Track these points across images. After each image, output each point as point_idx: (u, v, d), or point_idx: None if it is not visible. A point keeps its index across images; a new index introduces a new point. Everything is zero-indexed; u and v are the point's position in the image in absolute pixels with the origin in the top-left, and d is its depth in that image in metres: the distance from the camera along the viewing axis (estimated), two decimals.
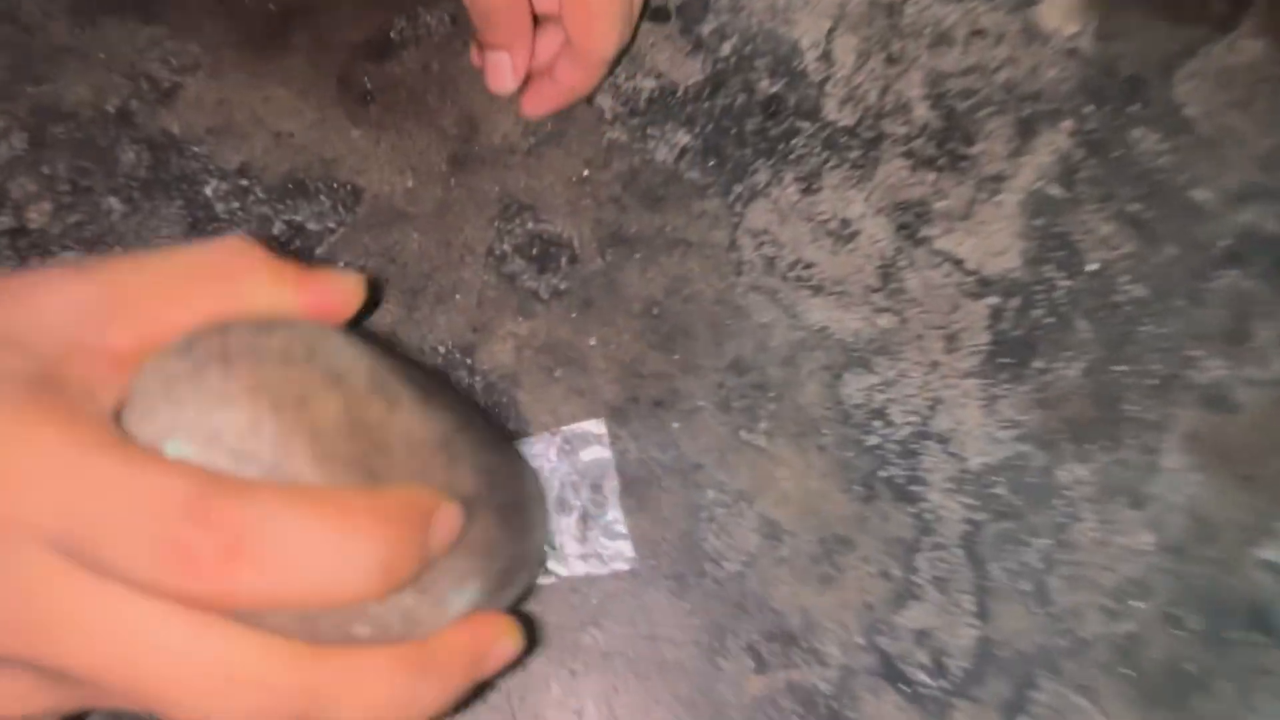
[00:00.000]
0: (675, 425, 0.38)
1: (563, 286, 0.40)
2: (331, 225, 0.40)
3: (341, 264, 0.40)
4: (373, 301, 0.39)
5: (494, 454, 0.30)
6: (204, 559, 0.22)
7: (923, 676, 0.37)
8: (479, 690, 0.31)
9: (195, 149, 0.41)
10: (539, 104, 0.40)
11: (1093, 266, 0.40)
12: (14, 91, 0.41)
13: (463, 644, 0.28)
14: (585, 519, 0.37)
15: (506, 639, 0.29)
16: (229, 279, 0.27)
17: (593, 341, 0.39)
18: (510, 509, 0.30)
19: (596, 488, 0.37)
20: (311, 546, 0.23)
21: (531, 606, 0.37)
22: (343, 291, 0.29)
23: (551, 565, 0.36)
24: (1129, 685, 0.37)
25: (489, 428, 0.31)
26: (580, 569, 0.37)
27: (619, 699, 0.36)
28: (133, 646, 0.23)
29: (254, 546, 0.23)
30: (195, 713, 0.24)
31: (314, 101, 0.41)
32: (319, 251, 0.40)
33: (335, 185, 0.41)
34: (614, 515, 0.37)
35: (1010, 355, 0.39)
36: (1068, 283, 0.40)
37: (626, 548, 0.37)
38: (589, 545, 0.37)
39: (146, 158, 0.41)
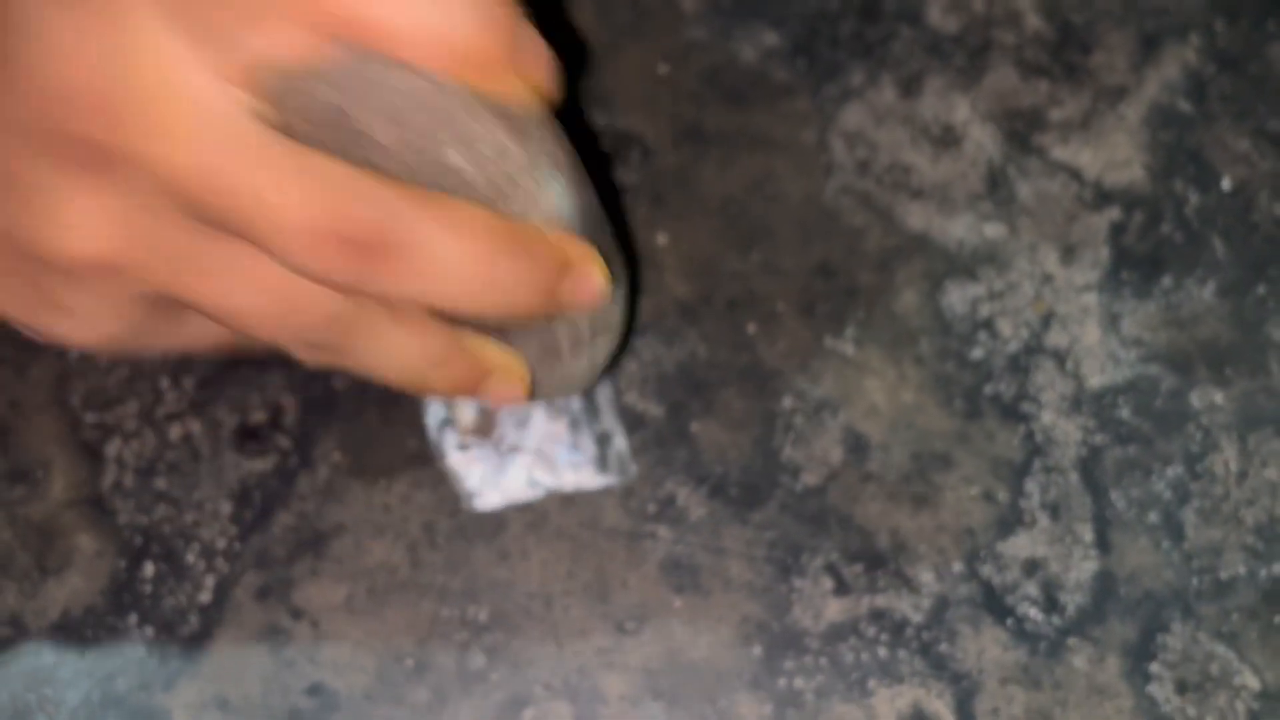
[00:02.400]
0: (751, 328, 0.39)
1: (633, 181, 0.41)
2: None
3: None
4: None
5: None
6: (358, 244, 0.25)
7: (1032, 611, 0.35)
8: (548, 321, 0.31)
9: None
10: None
11: (1227, 183, 0.40)
12: None
13: (555, 243, 0.28)
14: (576, 425, 0.37)
15: (597, 271, 0.29)
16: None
17: (663, 238, 0.40)
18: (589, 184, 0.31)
19: (589, 394, 0.37)
20: (461, 259, 0.25)
21: (580, 510, 0.36)
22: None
23: (538, 475, 0.36)
24: (1278, 634, 0.35)
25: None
26: (570, 479, 0.36)
27: (677, 615, 0.35)
28: (223, 137, 0.24)
29: (404, 251, 0.25)
30: (274, 211, 0.25)
31: None
32: None
33: None
34: (609, 424, 0.37)
35: (1134, 271, 0.39)
36: (1199, 199, 0.40)
37: (624, 457, 0.36)
38: (581, 454, 0.36)
39: None
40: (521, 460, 0.36)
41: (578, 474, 0.36)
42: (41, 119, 0.25)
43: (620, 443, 0.37)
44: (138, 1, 0.24)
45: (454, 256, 0.26)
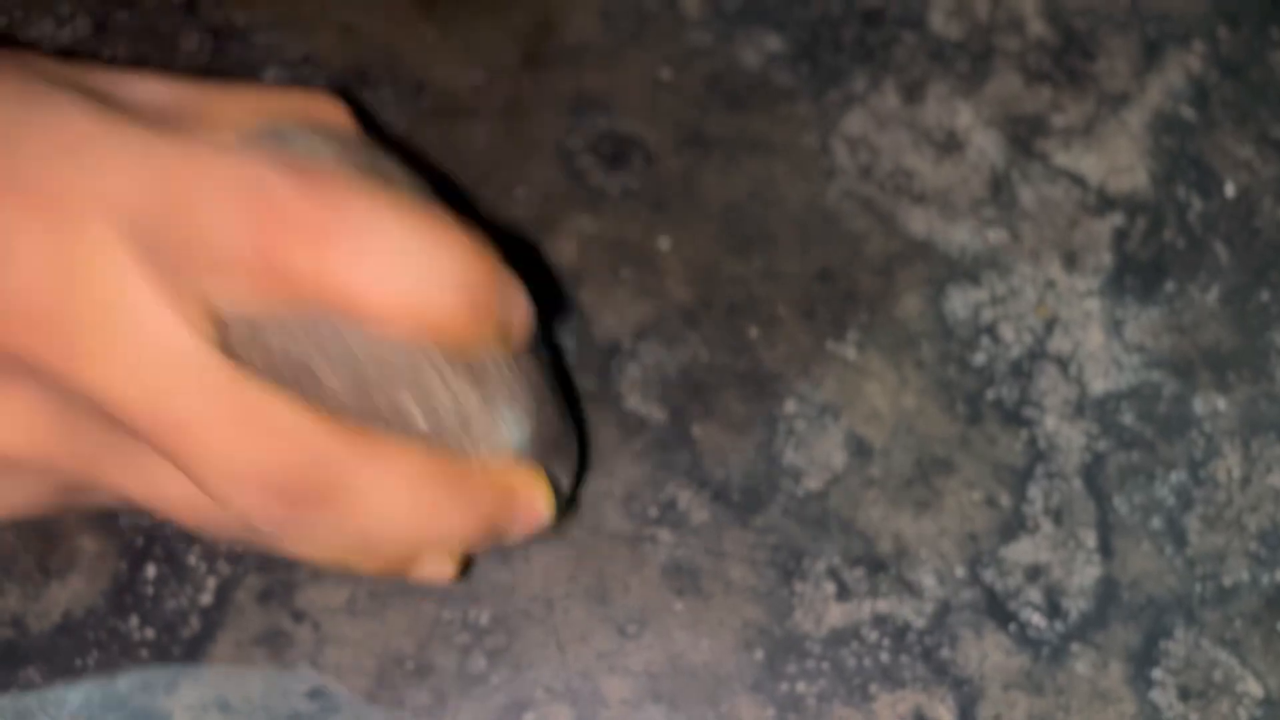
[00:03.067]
0: (752, 332, 0.39)
1: (634, 186, 0.41)
2: (394, 117, 0.42)
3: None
4: None
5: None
6: (300, 230, 0.23)
7: (1035, 616, 0.35)
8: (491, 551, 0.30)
9: (258, 38, 0.43)
10: None
11: (1230, 189, 0.40)
12: None
13: (500, 482, 0.28)
14: None
15: (541, 499, 0.29)
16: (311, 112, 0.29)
17: (664, 243, 0.40)
18: (556, 389, 0.31)
19: None
20: (406, 245, 0.24)
21: (581, 513, 0.36)
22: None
23: None
24: None
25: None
26: None
27: (678, 619, 0.35)
28: (170, 370, 0.23)
29: (349, 231, 0.24)
30: (210, 453, 0.24)
31: None
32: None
33: (399, 78, 0.43)
34: None
35: (1137, 277, 0.39)
36: (1202, 205, 0.40)
37: None
38: None
39: (208, 44, 0.43)
40: None
41: None
42: None
43: None
44: (99, 219, 0.23)
45: (388, 502, 0.26)
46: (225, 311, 0.25)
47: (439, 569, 0.30)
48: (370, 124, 0.42)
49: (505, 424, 0.28)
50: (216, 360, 0.24)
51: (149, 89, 0.28)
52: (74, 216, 0.23)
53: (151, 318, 0.24)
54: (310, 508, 0.25)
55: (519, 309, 0.27)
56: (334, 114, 0.30)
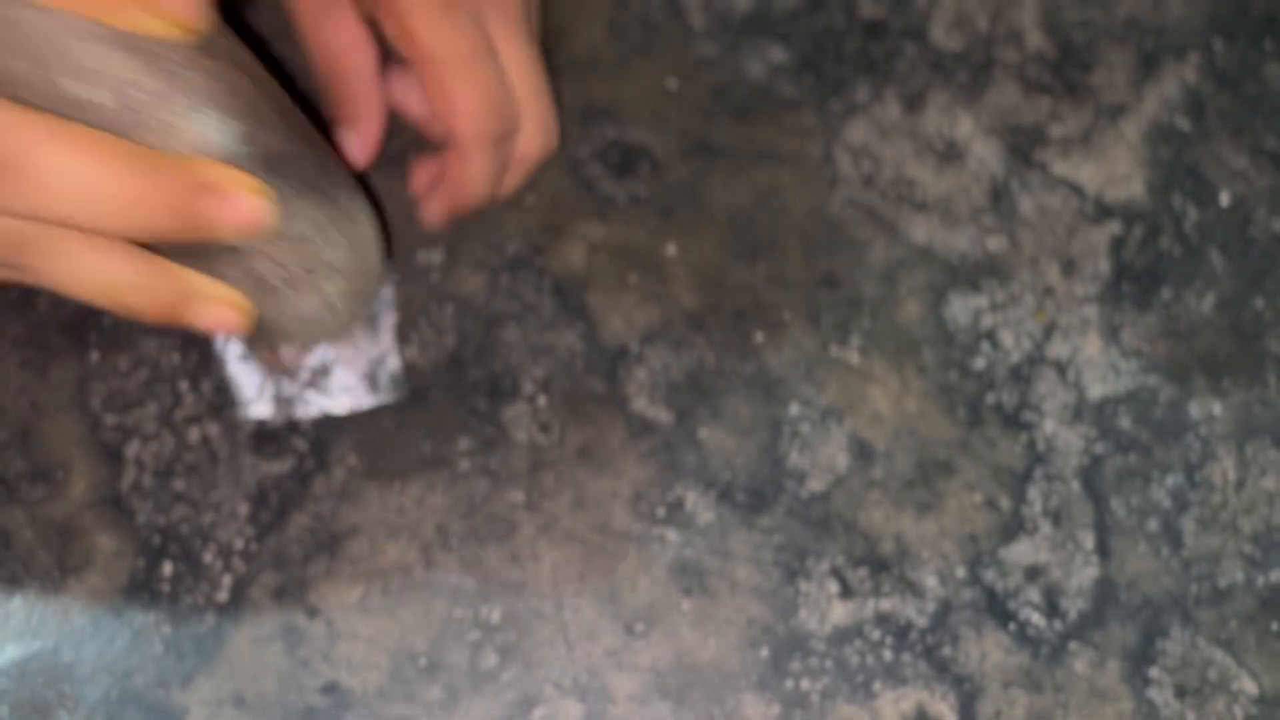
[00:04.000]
0: (758, 337, 0.39)
1: (642, 193, 0.41)
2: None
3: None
4: None
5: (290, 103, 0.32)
6: None
7: (1034, 616, 0.36)
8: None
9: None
10: (433, 210, 0.39)
11: (1225, 199, 0.41)
12: None
13: (189, 166, 0.28)
14: (355, 350, 0.38)
15: (242, 191, 0.29)
16: None
17: (671, 249, 0.41)
18: (293, 120, 0.31)
19: (371, 319, 0.38)
20: (76, 175, 0.26)
21: (590, 513, 0.37)
22: None
23: (310, 394, 0.37)
24: (1276, 640, 0.35)
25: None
26: (344, 401, 0.37)
27: (684, 617, 0.36)
28: None
29: (17, 170, 0.26)
30: None
31: None
32: (390, 149, 0.42)
33: None
34: (385, 346, 0.38)
35: (1134, 284, 0.40)
36: (1197, 214, 0.41)
37: (397, 378, 0.38)
38: (353, 374, 0.37)
39: None
40: (299, 379, 0.37)
41: (351, 395, 0.37)
42: None
43: (394, 363, 0.38)
44: None
45: (68, 172, 0.27)
46: None
47: (221, 314, 0.31)
48: None
49: (197, 121, 0.28)
50: None
51: None
52: None
53: None
54: None
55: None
56: None
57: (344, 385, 0.37)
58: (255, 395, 0.37)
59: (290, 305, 0.33)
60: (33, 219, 0.28)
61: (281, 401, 0.37)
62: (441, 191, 0.39)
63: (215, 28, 0.30)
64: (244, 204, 0.29)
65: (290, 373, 0.37)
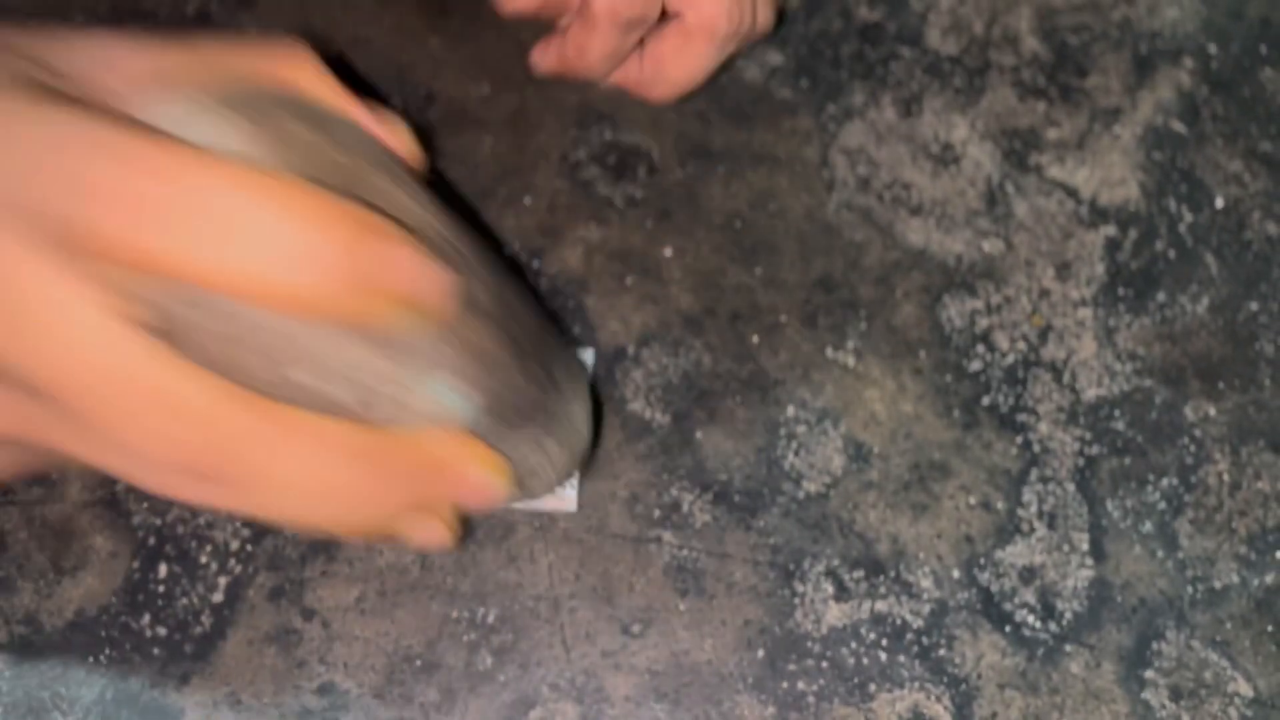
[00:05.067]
0: (754, 339, 0.39)
1: (639, 195, 0.41)
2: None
3: None
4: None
5: (517, 297, 0.30)
6: (202, 474, 0.24)
7: (1029, 618, 0.36)
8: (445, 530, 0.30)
9: None
10: (544, 59, 0.40)
11: (1220, 202, 0.41)
12: None
13: (426, 451, 0.27)
14: None
15: (482, 469, 0.28)
16: (279, 72, 0.29)
17: (668, 251, 0.41)
18: (524, 344, 0.30)
19: None
20: (249, 220, 0.24)
21: (586, 515, 0.37)
22: (399, 133, 0.31)
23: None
24: (1271, 642, 0.36)
25: (529, 301, 0.32)
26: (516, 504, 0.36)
27: (681, 618, 0.36)
28: (75, 345, 0.24)
29: (247, 480, 0.24)
30: (114, 424, 0.24)
31: (394, 9, 0.45)
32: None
33: (409, 89, 0.43)
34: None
35: (1129, 287, 0.40)
36: (1192, 217, 0.41)
37: (569, 493, 0.36)
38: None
39: None
40: None
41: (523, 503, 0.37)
42: None
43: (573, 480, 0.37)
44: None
45: (295, 476, 0.25)
46: (133, 290, 0.24)
47: (428, 533, 0.30)
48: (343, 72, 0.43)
49: (431, 391, 0.27)
50: (120, 334, 0.24)
51: (105, 50, 0.27)
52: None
53: (50, 296, 0.24)
54: (215, 483, 0.25)
55: (418, 277, 0.26)
56: (299, 66, 0.29)
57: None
58: None
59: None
60: (254, 513, 0.27)
61: None
62: (561, 51, 0.39)
63: (459, 306, 0.28)
64: (478, 481, 0.28)
65: None
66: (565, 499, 0.36)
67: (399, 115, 0.31)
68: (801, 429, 0.38)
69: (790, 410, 0.38)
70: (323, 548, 0.36)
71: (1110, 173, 0.41)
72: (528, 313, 0.31)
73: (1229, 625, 0.36)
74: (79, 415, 0.25)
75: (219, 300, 0.25)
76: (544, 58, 0.41)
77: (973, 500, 0.37)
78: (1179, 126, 0.42)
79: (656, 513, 0.37)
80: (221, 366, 0.25)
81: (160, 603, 0.36)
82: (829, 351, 0.39)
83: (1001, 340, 0.39)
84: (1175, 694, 0.35)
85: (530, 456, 0.31)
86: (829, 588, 0.36)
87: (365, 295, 0.25)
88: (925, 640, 0.35)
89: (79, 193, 0.23)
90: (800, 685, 0.35)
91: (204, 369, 0.25)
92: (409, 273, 0.26)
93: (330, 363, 0.26)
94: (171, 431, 0.24)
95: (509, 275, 0.31)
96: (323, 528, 0.28)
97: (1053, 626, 0.36)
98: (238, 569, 0.36)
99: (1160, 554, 0.36)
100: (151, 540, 0.36)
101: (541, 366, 0.31)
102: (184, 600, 0.36)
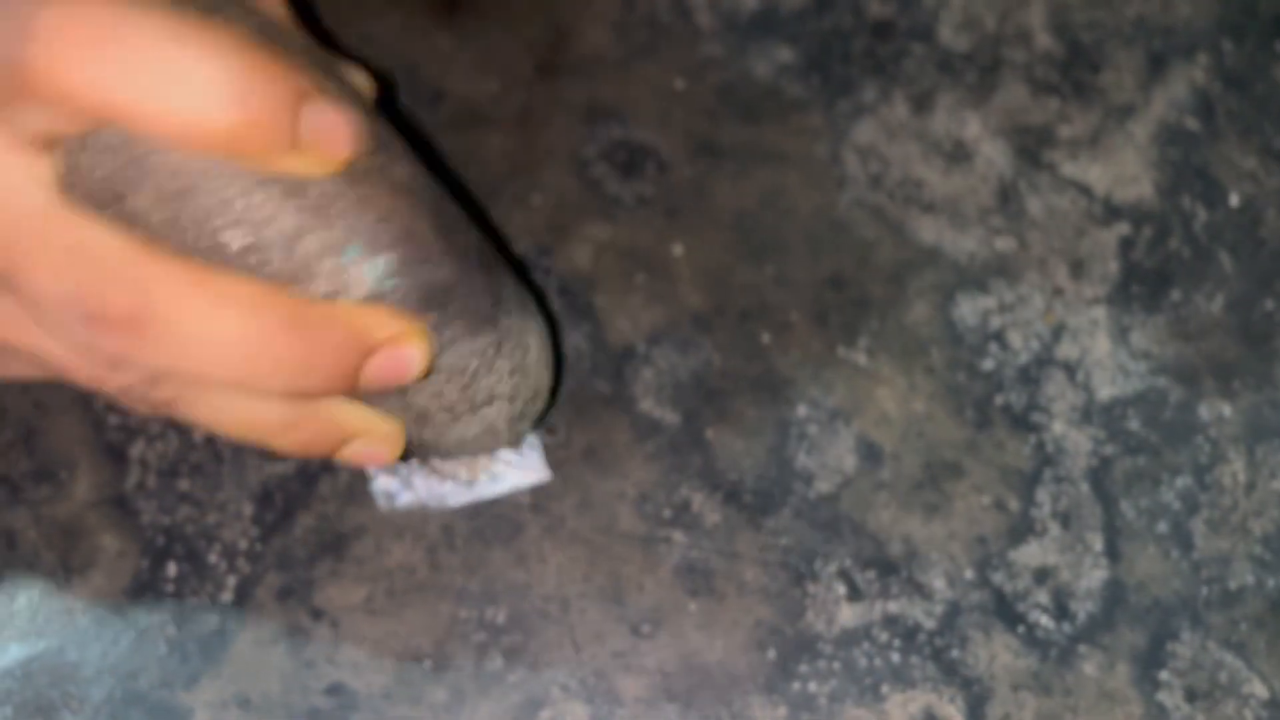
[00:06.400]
0: (765, 337, 0.39)
1: (648, 193, 0.41)
2: (410, 125, 0.43)
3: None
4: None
5: (446, 196, 0.30)
6: (111, 320, 0.25)
7: (1043, 618, 0.36)
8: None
9: None
10: None
11: (1235, 200, 0.41)
12: None
13: (353, 322, 0.27)
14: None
15: (412, 343, 0.28)
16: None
17: (678, 249, 0.40)
18: (450, 225, 0.30)
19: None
20: (175, 59, 0.24)
21: (596, 514, 0.37)
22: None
23: (448, 487, 0.36)
24: None
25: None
26: (488, 490, 0.36)
27: (691, 619, 0.36)
28: (7, 213, 0.25)
29: (155, 325, 0.25)
30: (32, 278, 0.25)
31: (402, 7, 0.45)
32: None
33: (417, 87, 0.43)
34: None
35: (1143, 285, 0.40)
36: (1206, 215, 0.41)
37: (536, 461, 0.36)
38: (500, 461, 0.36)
39: None
40: (438, 467, 0.36)
41: (495, 485, 0.36)
42: None
43: (534, 442, 0.37)
44: None
45: (213, 332, 0.26)
46: (45, 135, 0.25)
47: (373, 451, 0.30)
48: None
49: (364, 267, 0.27)
50: (35, 185, 0.25)
51: None
52: None
53: None
54: (125, 333, 0.25)
55: (334, 124, 0.26)
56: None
57: (491, 472, 0.37)
58: (394, 486, 0.36)
59: (450, 431, 0.32)
60: (170, 373, 0.27)
61: (416, 486, 0.36)
62: None
63: (367, 150, 0.28)
64: (404, 360, 0.28)
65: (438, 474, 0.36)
66: (534, 466, 0.36)
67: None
68: (812, 428, 0.38)
69: (801, 409, 0.38)
70: (332, 547, 0.36)
71: (1124, 170, 0.41)
72: (459, 212, 0.31)
73: (1244, 626, 0.35)
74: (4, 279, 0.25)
75: (150, 153, 0.25)
76: None
77: (986, 500, 0.37)
78: (1193, 123, 0.42)
79: (666, 512, 0.37)
80: (160, 231, 0.26)
81: (169, 602, 0.35)
82: (840, 350, 0.39)
83: (1015, 339, 0.39)
84: (1190, 695, 0.35)
85: (481, 373, 0.31)
86: (841, 588, 0.36)
87: (300, 141, 0.26)
88: (938, 641, 0.35)
89: (20, 35, 0.24)
90: (812, 686, 0.35)
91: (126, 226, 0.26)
92: (336, 123, 0.26)
93: (263, 227, 0.26)
94: (75, 275, 0.25)
95: (439, 181, 0.31)
96: (245, 408, 0.28)
97: (1066, 627, 0.35)
98: (247, 568, 0.36)
99: (1175, 554, 0.36)
100: (160, 539, 0.36)
101: (481, 268, 0.30)
102: (193, 599, 0.35)
